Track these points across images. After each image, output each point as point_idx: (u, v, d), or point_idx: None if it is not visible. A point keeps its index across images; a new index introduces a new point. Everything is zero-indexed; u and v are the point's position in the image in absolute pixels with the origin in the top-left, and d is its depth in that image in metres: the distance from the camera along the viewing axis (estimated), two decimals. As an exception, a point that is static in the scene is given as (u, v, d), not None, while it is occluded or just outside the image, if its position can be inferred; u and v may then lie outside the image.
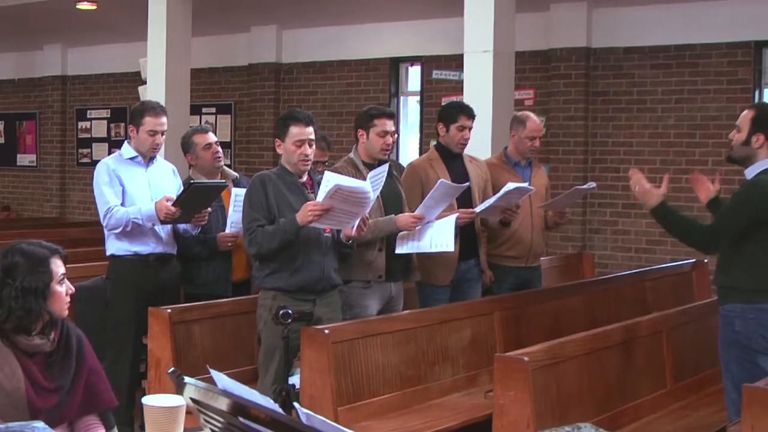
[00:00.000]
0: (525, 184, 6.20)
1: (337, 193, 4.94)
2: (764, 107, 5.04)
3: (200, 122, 12.96)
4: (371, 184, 5.08)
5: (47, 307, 3.41)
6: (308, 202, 5.08)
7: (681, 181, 9.93)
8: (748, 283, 4.80)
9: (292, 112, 5.44)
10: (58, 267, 3.48)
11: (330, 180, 4.97)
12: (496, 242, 6.57)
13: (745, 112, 4.94)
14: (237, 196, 6.03)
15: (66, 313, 3.52)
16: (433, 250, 5.71)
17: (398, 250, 5.69)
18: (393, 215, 5.67)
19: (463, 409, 5.41)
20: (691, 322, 6.06)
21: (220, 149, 6.39)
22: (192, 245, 6.15)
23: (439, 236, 5.68)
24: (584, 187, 6.90)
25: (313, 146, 5.35)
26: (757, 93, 9.70)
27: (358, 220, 5.17)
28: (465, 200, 6.09)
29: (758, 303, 4.76)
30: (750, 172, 4.90)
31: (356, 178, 5.58)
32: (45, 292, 3.40)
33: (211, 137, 6.37)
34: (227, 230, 6.16)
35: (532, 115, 6.79)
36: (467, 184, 5.99)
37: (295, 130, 5.26)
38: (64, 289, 3.48)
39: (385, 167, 5.37)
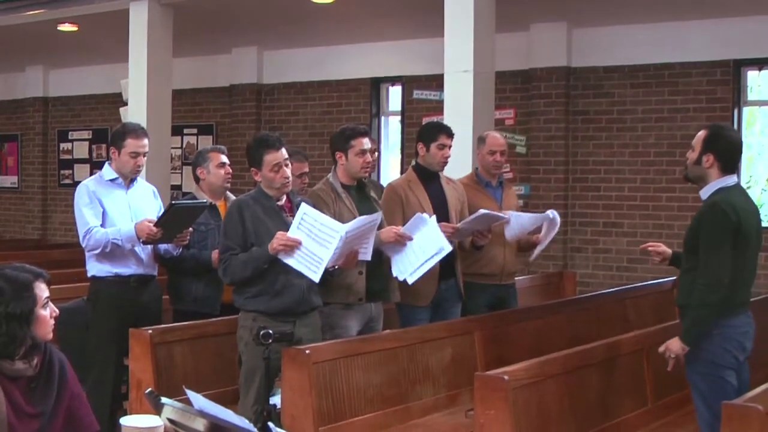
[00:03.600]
0: (498, 213, 6.20)
1: (304, 223, 5.01)
2: (717, 128, 5.02)
3: (182, 143, 13.03)
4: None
5: (31, 332, 3.39)
6: (279, 232, 5.09)
7: (661, 200, 10.02)
8: None
9: (262, 139, 5.36)
10: (42, 291, 3.44)
11: (304, 212, 5.05)
12: (470, 260, 6.57)
13: (699, 132, 4.95)
14: None
15: (51, 335, 3.48)
16: (436, 258, 5.66)
17: (411, 280, 5.68)
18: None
19: (444, 429, 5.41)
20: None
21: (231, 171, 6.53)
22: (184, 260, 6.14)
23: (428, 244, 5.65)
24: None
25: (289, 165, 5.36)
26: (736, 112, 9.78)
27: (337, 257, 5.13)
28: (442, 221, 6.07)
29: (721, 319, 4.76)
30: (704, 193, 4.90)
31: (335, 201, 5.64)
32: (29, 318, 3.37)
33: (226, 158, 6.49)
34: None
35: (493, 131, 6.92)
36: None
37: (269, 157, 5.25)
38: (48, 313, 3.44)
39: (374, 218, 5.31)
